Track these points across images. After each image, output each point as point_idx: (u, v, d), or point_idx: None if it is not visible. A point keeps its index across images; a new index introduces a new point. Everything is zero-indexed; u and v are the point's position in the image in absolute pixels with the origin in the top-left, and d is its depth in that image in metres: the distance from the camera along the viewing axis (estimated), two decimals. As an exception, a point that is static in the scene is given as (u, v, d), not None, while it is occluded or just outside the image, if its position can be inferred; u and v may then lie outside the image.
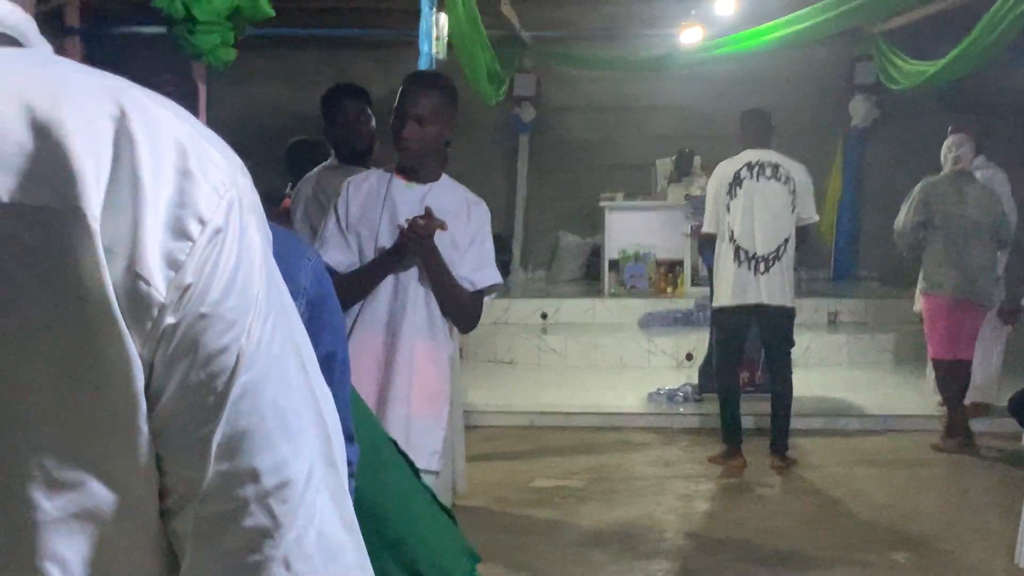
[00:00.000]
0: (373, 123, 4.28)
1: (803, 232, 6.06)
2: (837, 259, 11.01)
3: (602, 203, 10.39)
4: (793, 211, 5.96)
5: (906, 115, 10.50)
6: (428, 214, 3.16)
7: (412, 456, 3.25)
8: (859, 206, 11.01)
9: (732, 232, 5.96)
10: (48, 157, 0.80)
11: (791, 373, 6.10)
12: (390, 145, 3.48)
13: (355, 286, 3.29)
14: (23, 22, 0.92)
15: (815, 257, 10.50)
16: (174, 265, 0.81)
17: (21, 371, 0.82)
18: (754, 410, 6.54)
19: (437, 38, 6.38)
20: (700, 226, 6.54)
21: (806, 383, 6.79)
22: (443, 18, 6.46)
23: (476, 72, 8.14)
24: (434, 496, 2.40)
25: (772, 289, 5.92)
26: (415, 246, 3.17)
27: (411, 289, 3.29)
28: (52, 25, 8.62)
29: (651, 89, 11.20)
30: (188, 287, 0.81)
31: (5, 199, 0.80)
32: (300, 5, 8.68)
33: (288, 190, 5.03)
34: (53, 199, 0.79)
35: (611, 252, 10.28)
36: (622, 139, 11.59)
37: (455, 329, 4.22)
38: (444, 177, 3.43)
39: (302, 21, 9.82)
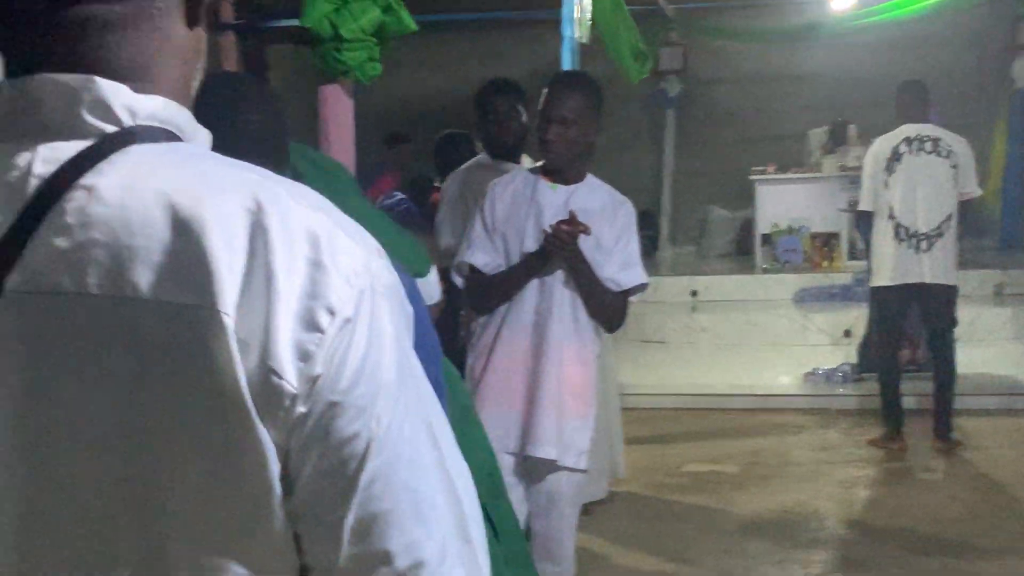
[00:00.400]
0: (524, 118, 4.27)
1: (965, 207, 5.81)
2: (1003, 227, 10.53)
3: (753, 177, 10.18)
4: (955, 186, 5.73)
5: (1076, 73, 9.96)
6: (572, 218, 3.16)
7: (562, 455, 3.29)
8: (1027, 172, 10.51)
9: (892, 209, 5.76)
10: (188, 255, 0.83)
11: (954, 353, 5.89)
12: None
13: (500, 288, 3.33)
14: (176, 114, 0.96)
15: (980, 226, 10.07)
16: (304, 357, 0.84)
17: (164, 464, 0.85)
18: (916, 390, 6.33)
19: (580, 22, 6.35)
20: (857, 201, 6.34)
21: (970, 360, 6.51)
22: (586, 1, 6.42)
23: (620, 52, 8.06)
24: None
25: (935, 267, 5.72)
26: (559, 251, 3.18)
27: (556, 291, 3.30)
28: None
29: (801, 57, 10.90)
30: (318, 377, 0.84)
31: (147, 295, 0.83)
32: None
33: (438, 183, 5.10)
34: (191, 297, 0.83)
35: (763, 226, 10.07)
36: (772, 110, 11.32)
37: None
38: (589, 177, 3.41)
39: (447, 6, 9.90)
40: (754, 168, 10.30)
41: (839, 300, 9.07)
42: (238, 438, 0.84)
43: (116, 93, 0.90)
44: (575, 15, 6.25)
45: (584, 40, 6.43)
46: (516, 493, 3.37)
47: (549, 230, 3.17)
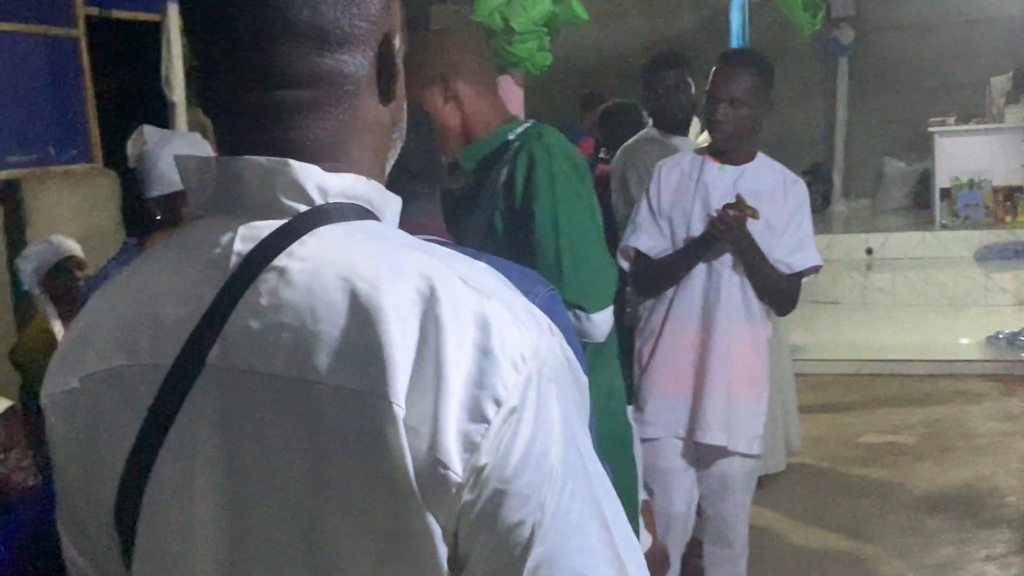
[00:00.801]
0: (693, 90, 4.22)
1: None
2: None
3: (932, 128, 9.77)
4: None
5: None
6: (739, 201, 3.11)
7: (733, 441, 3.26)
8: None
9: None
10: (364, 343, 0.88)
11: None
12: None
13: (667, 273, 3.31)
14: (366, 189, 1.00)
15: None
16: (470, 447, 0.86)
17: (340, 541, 0.90)
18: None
19: (750, -20, 6.21)
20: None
21: None
22: (755, -41, 6.28)
23: (792, 4, 7.83)
24: None
25: None
26: (726, 235, 3.14)
27: (725, 275, 3.25)
28: None
29: (981, 0, 10.36)
30: (483, 467, 0.86)
31: (327, 380, 0.89)
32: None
33: (603, 154, 5.09)
34: (366, 384, 0.87)
35: (942, 180, 9.68)
36: (950, 57, 10.81)
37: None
38: (759, 156, 3.34)
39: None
40: (932, 119, 9.89)
41: (1023, 258, 8.66)
42: (407, 522, 0.88)
43: (308, 174, 0.96)
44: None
45: (755, -1, 6.30)
46: (687, 477, 3.38)
47: (715, 214, 3.14)
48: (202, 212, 1.01)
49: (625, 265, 3.36)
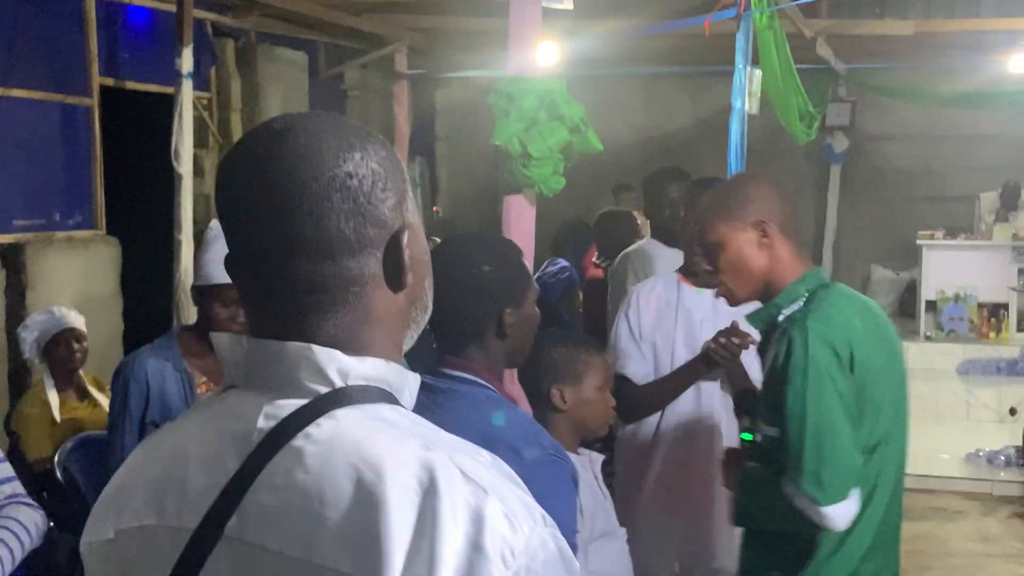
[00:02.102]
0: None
1: None
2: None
3: (920, 241, 9.94)
4: None
5: None
6: (736, 330, 3.16)
7: (732, 562, 3.28)
8: None
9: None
10: (364, 531, 0.94)
11: None
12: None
13: (656, 398, 3.32)
14: (385, 372, 1.08)
15: None
16: None
17: None
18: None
19: (751, 94, 6.36)
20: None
21: None
22: (757, 74, 6.42)
23: (788, 115, 8.03)
24: None
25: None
26: (728, 363, 3.20)
27: (716, 397, 3.32)
28: (385, 70, 9.31)
29: (975, 116, 10.59)
30: None
31: (329, 563, 0.95)
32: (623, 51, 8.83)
33: (597, 260, 5.17)
34: (360, 570, 0.93)
35: (928, 292, 9.81)
36: (942, 169, 11.04)
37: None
38: None
39: (619, 62, 10.01)
40: (921, 232, 10.06)
41: (1005, 374, 8.77)
42: None
43: (330, 358, 1.04)
44: (746, 89, 6.27)
45: (754, 112, 6.44)
46: None
47: (716, 343, 3.19)
48: (233, 384, 1.09)
49: None
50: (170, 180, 5.94)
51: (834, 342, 2.28)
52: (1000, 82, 9.61)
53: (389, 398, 1.07)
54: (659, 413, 3.35)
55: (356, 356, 1.05)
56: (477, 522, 0.93)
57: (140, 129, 6.58)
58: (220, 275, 2.89)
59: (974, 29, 9.12)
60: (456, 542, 0.92)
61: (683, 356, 3.29)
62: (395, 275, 1.09)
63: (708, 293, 3.33)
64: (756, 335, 3.17)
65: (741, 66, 6.35)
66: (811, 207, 11.64)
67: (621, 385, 3.27)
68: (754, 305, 3.28)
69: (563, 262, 5.96)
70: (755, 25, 6.46)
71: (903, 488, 2.51)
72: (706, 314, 3.30)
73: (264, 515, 0.99)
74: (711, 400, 3.34)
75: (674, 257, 4.21)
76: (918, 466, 7.07)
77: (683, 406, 3.32)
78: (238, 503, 1.01)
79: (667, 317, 3.34)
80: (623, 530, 2.71)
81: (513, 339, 2.11)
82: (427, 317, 1.18)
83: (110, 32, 6.38)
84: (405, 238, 1.09)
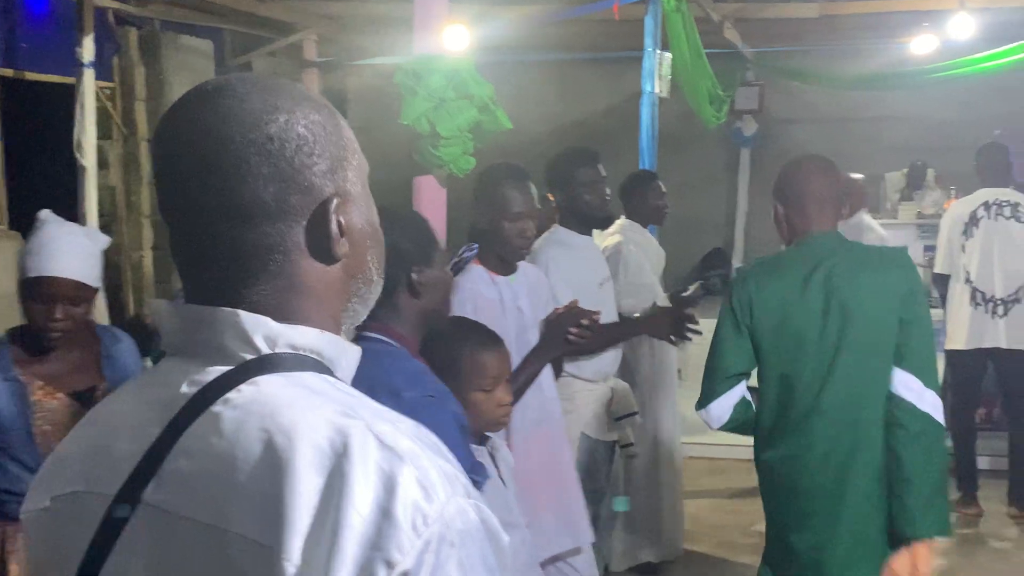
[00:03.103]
0: (608, 192, 4.16)
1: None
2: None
3: (827, 221, 10.14)
4: (1034, 252, 5.70)
5: None
6: (578, 308, 3.18)
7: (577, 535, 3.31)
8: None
9: (968, 274, 5.76)
10: (272, 497, 0.93)
11: (1030, 418, 5.85)
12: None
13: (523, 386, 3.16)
14: (317, 341, 1.06)
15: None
16: None
17: None
18: (990, 449, 6.29)
19: (661, 77, 6.43)
20: (932, 261, 6.32)
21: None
22: (667, 57, 6.50)
23: (698, 98, 8.12)
24: None
25: (1011, 333, 5.70)
26: (581, 340, 3.18)
27: (549, 381, 3.32)
28: (293, 58, 9.20)
29: (880, 98, 10.82)
30: None
31: (237, 529, 0.94)
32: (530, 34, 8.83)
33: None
34: (265, 536, 0.92)
35: (837, 271, 10.02)
36: (849, 150, 11.20)
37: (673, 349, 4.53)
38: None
39: (531, 47, 10.02)
40: (829, 212, 10.25)
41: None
42: None
43: (257, 325, 1.03)
44: (656, 72, 6.33)
45: (664, 94, 6.52)
46: None
47: (573, 335, 3.14)
48: (168, 352, 1.08)
49: None
50: (74, 172, 5.80)
51: (739, 293, 2.93)
52: (903, 63, 9.83)
53: (319, 367, 1.05)
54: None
55: (289, 324, 1.04)
56: (389, 488, 0.91)
57: (42, 121, 6.42)
58: (34, 267, 2.73)
59: (877, 11, 9.30)
60: (364, 508, 0.90)
61: (519, 345, 3.16)
62: (322, 246, 1.06)
63: (519, 277, 3.30)
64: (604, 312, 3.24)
65: (651, 50, 6.43)
66: (722, 191, 11.80)
67: None
68: (531, 271, 3.38)
69: (477, 245, 5.95)
70: (663, 9, 6.54)
71: (837, 412, 2.86)
72: (522, 297, 3.27)
73: (179, 481, 0.98)
74: (550, 387, 3.32)
75: (584, 243, 4.16)
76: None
77: (528, 399, 3.20)
78: (156, 469, 0.99)
79: (496, 310, 3.18)
80: (524, 520, 2.71)
81: (427, 298, 2.17)
82: (375, 292, 1.15)
83: (8, 21, 6.21)
84: (333, 206, 1.06)
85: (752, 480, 6.48)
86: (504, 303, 3.20)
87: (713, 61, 8.47)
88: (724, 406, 2.99)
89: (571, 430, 3.79)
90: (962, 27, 8.18)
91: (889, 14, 9.41)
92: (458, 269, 5.12)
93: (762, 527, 5.69)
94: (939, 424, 2.83)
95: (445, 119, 3.02)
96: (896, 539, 2.84)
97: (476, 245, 5.91)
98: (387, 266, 1.98)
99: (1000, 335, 5.68)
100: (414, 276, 2.17)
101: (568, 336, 3.14)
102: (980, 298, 5.71)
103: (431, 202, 3.24)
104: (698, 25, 7.29)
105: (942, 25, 8.70)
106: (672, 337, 3.92)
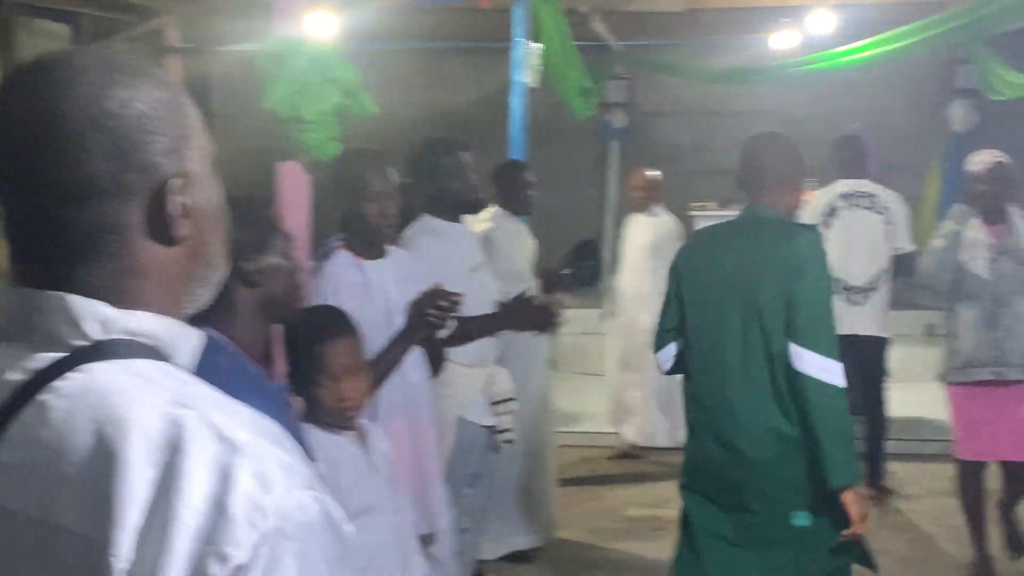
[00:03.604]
0: (473, 177, 4.18)
1: (898, 261, 5.97)
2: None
3: (692, 212, 10.35)
4: (888, 241, 5.89)
5: (1009, 120, 10.24)
6: (443, 292, 3.18)
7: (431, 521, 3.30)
8: (960, 213, 10.80)
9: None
10: (102, 490, 0.89)
11: (885, 403, 6.07)
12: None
13: (378, 374, 3.10)
14: (153, 326, 1.02)
15: (914, 266, 10.33)
16: None
17: None
18: (850, 434, 6.49)
19: (530, 67, 6.44)
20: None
21: (901, 401, 6.66)
22: (535, 47, 6.52)
23: (568, 90, 8.18)
24: None
25: (867, 320, 5.89)
26: (441, 323, 3.21)
27: (417, 362, 3.31)
28: (154, 44, 8.93)
29: (745, 93, 11.10)
30: None
31: (66, 523, 0.90)
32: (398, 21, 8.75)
33: None
34: (95, 531, 0.88)
35: (702, 261, 10.23)
36: (714, 144, 11.51)
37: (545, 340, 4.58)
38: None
39: (399, 34, 9.94)
40: (692, 204, 10.48)
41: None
42: None
43: (89, 310, 0.98)
44: (525, 61, 6.35)
45: (534, 85, 6.54)
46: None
47: (432, 317, 3.15)
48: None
49: None
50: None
51: (677, 259, 3.52)
52: (767, 58, 10.08)
53: (155, 354, 1.01)
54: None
55: (123, 309, 0.99)
56: (223, 481, 0.88)
57: None
58: None
59: (741, 6, 9.52)
60: (197, 501, 0.87)
61: (386, 329, 3.16)
62: (161, 227, 1.02)
63: (388, 261, 3.30)
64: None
65: (519, 39, 6.44)
66: (592, 183, 11.93)
67: None
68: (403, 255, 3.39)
69: (338, 240, 5.87)
70: (532, 0, 6.56)
71: (722, 363, 3.26)
72: (392, 281, 3.26)
73: (4, 473, 0.94)
74: (417, 368, 3.31)
75: (455, 230, 4.15)
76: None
77: (394, 380, 3.19)
78: None
79: (361, 295, 3.16)
80: (391, 504, 2.68)
81: (264, 288, 2.08)
82: (218, 276, 1.11)
83: None
84: (174, 186, 1.01)
85: (622, 467, 6.65)
86: (370, 287, 3.19)
87: (582, 54, 8.55)
88: (668, 353, 3.46)
89: (448, 414, 3.84)
90: (822, 22, 8.44)
91: (752, 9, 9.65)
92: (322, 259, 5.05)
93: (632, 512, 5.84)
94: (835, 386, 3.11)
95: (309, 103, 2.95)
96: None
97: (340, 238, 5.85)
98: None
99: (856, 322, 5.86)
100: (246, 265, 2.06)
101: (429, 318, 3.14)
102: (839, 287, 5.87)
103: (295, 188, 3.17)
104: (567, 17, 7.35)
105: (803, 21, 8.97)
106: (538, 329, 3.94)
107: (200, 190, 1.05)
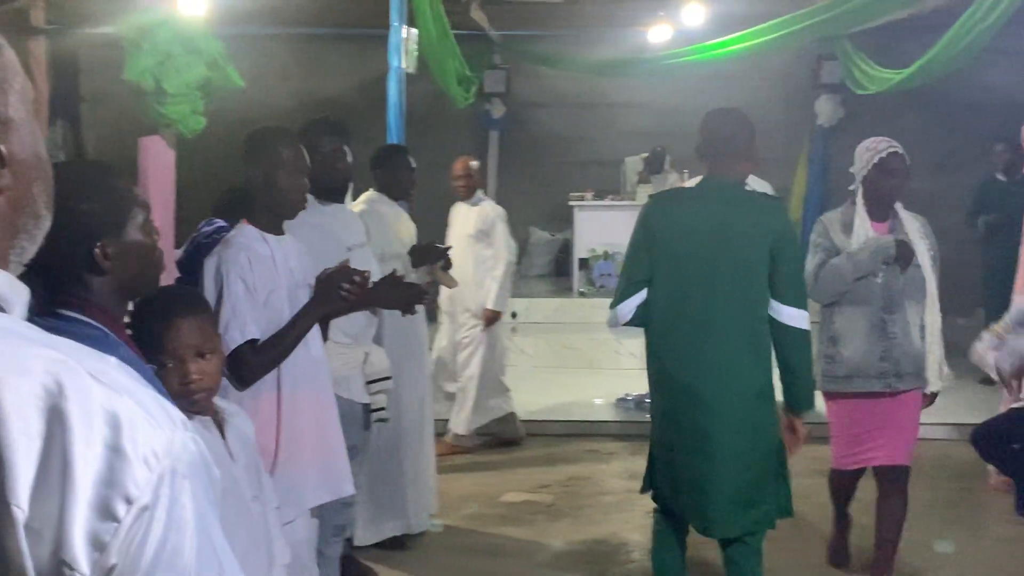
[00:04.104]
0: (350, 159, 4.15)
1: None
2: (802, 255, 11.11)
3: (571, 202, 10.44)
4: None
5: (872, 114, 10.58)
6: (350, 269, 3.24)
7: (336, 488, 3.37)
8: (825, 204, 11.11)
9: (700, 249, 6.01)
10: None
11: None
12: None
13: (283, 350, 3.17)
14: None
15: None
16: (99, 546, 0.85)
17: None
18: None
19: (407, 52, 6.39)
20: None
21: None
22: (413, 32, 6.47)
23: (446, 78, 8.16)
24: None
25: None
26: (354, 299, 3.24)
27: (315, 337, 3.33)
28: (18, 25, 8.58)
29: (621, 85, 11.23)
30: (113, 567, 0.85)
31: None
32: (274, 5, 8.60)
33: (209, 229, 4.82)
34: None
35: (580, 251, 10.34)
36: (593, 135, 11.63)
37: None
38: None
39: (275, 19, 9.77)
40: (572, 193, 10.56)
41: (652, 325, 9.38)
42: None
43: None
44: (402, 47, 6.30)
45: (411, 70, 6.49)
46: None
47: (345, 290, 3.19)
48: None
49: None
50: None
51: (646, 216, 3.80)
52: (644, 51, 10.23)
53: None
54: (278, 369, 3.20)
55: None
56: (114, 425, 0.87)
57: None
58: None
59: (618, -1, 9.62)
60: (93, 447, 0.85)
61: (291, 303, 3.22)
62: None
63: (287, 239, 3.32)
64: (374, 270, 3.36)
65: (397, 24, 6.38)
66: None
67: (251, 349, 3.11)
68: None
69: (220, 222, 5.72)
70: (409, -15, 6.51)
71: (715, 333, 3.65)
72: (293, 258, 3.30)
73: None
74: (316, 342, 3.34)
75: (334, 212, 4.13)
76: (574, 412, 7.48)
77: (301, 352, 3.23)
78: None
79: (269, 269, 3.20)
80: (249, 491, 2.63)
81: (121, 271, 1.98)
82: (43, 227, 1.05)
83: None
84: None
85: (497, 454, 6.66)
86: (276, 261, 3.22)
87: (462, 43, 8.53)
88: (630, 306, 3.76)
89: None
90: (693, 16, 8.60)
91: (629, 2, 9.76)
92: (196, 244, 4.92)
93: (508, 498, 5.86)
94: (806, 330, 3.68)
95: (172, 75, 2.86)
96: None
97: (217, 221, 5.70)
98: (71, 235, 1.85)
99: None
100: (100, 250, 1.95)
101: (341, 292, 3.20)
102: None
103: (159, 164, 3.07)
104: (445, 5, 7.31)
105: (678, 14, 9.12)
106: (405, 308, 3.91)
107: (19, 137, 1.00)
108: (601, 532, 5.37)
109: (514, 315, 9.79)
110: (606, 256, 10.18)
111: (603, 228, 10.25)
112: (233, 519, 2.54)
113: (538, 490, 6.07)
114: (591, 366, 8.87)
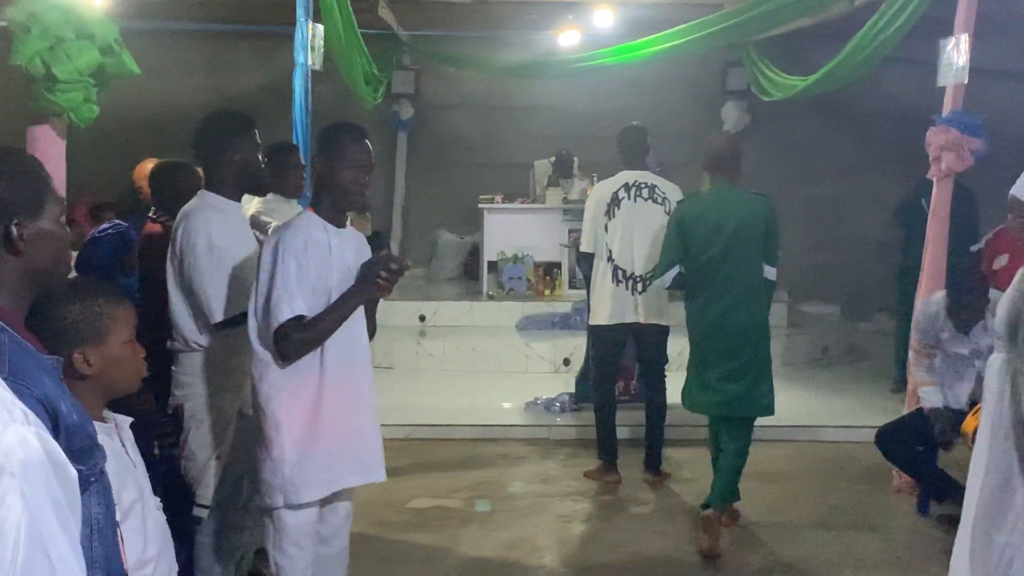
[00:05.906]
0: (260, 155, 3.98)
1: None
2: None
3: (481, 205, 10.38)
4: (669, 232, 6.09)
5: (777, 120, 10.75)
6: (393, 257, 3.38)
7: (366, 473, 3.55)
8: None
9: (610, 252, 6.01)
10: None
11: (665, 388, 6.21)
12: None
13: (324, 329, 3.33)
14: None
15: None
16: None
17: None
18: (629, 420, 6.62)
19: (313, 48, 6.25)
20: (579, 236, 6.54)
21: (679, 389, 6.82)
22: (319, 28, 6.34)
23: (353, 76, 8.03)
24: None
25: (649, 308, 6.01)
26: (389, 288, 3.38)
27: (361, 325, 3.50)
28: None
29: (530, 88, 11.23)
30: None
31: None
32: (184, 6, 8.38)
33: (153, 214, 4.75)
34: None
35: (490, 254, 10.28)
36: (501, 138, 11.60)
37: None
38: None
39: (179, 14, 9.54)
40: (482, 196, 10.50)
41: (559, 328, 9.39)
42: None
43: None
44: (308, 43, 6.16)
45: (317, 67, 6.35)
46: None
47: (382, 280, 3.31)
48: None
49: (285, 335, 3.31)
50: None
51: (680, 212, 5.41)
52: (553, 54, 10.22)
53: None
54: (318, 351, 3.36)
55: None
56: None
57: None
58: None
59: (528, 1, 9.58)
60: None
61: (340, 290, 3.38)
62: None
63: (349, 232, 3.50)
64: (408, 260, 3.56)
65: (303, 20, 6.23)
66: (380, 174, 11.78)
67: (298, 325, 3.27)
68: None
69: (117, 221, 5.54)
70: (316, -19, 6.37)
71: (734, 286, 5.22)
72: (351, 251, 3.46)
73: None
74: (360, 330, 3.49)
75: (235, 208, 3.98)
76: (483, 416, 7.41)
77: (338, 340, 3.37)
78: None
79: (325, 256, 3.38)
80: (157, 499, 2.52)
81: (32, 256, 1.85)
82: None
83: None
84: None
85: (404, 459, 6.55)
86: (332, 250, 3.38)
87: (372, 41, 8.42)
88: (668, 276, 5.32)
89: (229, 408, 3.91)
90: (603, 20, 8.60)
91: (539, 5, 9.75)
92: (99, 243, 4.74)
93: (417, 504, 5.76)
94: (774, 281, 5.33)
95: (63, 61, 2.71)
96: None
97: (118, 221, 5.51)
98: None
99: (639, 311, 5.98)
100: (15, 230, 1.84)
101: (378, 280, 3.30)
102: (621, 275, 5.98)
103: (48, 154, 2.91)
104: (352, 3, 7.18)
105: (588, 18, 9.12)
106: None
107: None
108: (511, 538, 5.29)
109: (422, 318, 9.70)
110: (515, 259, 10.13)
111: (513, 231, 10.21)
112: (150, 526, 2.45)
113: (448, 495, 5.97)
114: (501, 370, 8.80)
